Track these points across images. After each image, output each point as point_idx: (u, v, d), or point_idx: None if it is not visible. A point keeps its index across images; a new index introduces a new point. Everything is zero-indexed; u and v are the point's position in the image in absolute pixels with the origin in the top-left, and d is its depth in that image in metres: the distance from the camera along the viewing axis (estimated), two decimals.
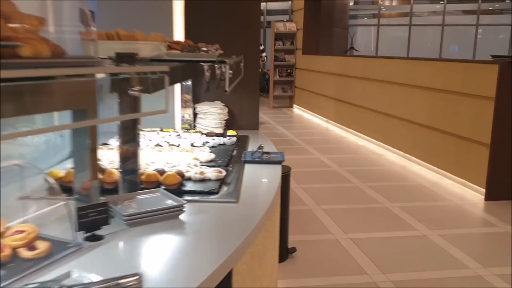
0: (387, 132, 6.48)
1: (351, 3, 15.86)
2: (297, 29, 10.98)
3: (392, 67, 6.43)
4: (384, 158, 6.10)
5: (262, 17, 15.76)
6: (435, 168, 5.26)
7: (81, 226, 1.18)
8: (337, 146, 6.97)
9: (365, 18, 17.56)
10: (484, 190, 4.37)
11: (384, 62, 6.77)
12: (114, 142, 2.22)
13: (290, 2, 11.39)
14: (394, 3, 17.07)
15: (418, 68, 5.75)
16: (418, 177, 5.18)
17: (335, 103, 8.42)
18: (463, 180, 4.73)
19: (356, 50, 15.27)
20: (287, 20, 14.76)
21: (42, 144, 1.82)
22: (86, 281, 0.96)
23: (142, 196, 1.50)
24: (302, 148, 6.70)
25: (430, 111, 5.38)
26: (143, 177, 1.61)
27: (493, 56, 6.51)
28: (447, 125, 5.03)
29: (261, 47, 6.96)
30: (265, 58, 5.87)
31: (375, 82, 6.83)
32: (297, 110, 10.94)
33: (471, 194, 4.54)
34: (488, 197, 4.34)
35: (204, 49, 1.82)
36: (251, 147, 2.45)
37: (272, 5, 15.81)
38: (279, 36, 10.79)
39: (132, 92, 1.16)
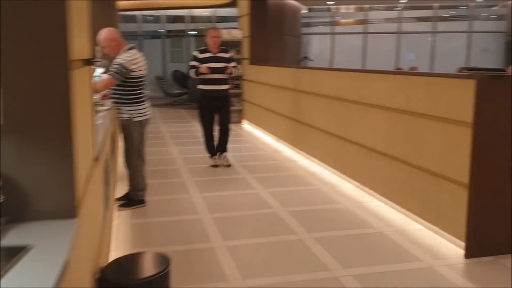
0: (341, 157, 5.45)
1: (304, 10, 14.96)
2: (243, 37, 9.91)
3: (343, 80, 5.41)
4: (338, 191, 5.04)
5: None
6: (398, 207, 4.24)
7: None
8: (284, 174, 5.86)
9: (319, 27, 16.73)
10: (463, 244, 3.35)
11: (334, 75, 5.76)
12: None
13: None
14: (350, 10, 16.31)
15: (374, 82, 4.74)
16: (380, 221, 4.10)
17: (285, 120, 7.35)
18: (435, 227, 3.70)
19: (311, 60, 14.36)
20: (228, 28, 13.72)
21: None
22: None
23: None
24: (241, 179, 5.57)
25: (389, 136, 4.36)
26: None
27: (466, 69, 5.40)
28: (411, 154, 4.00)
29: (228, 54, 5.91)
30: (234, 70, 4.94)
31: (324, 98, 5.80)
32: (247, 126, 9.82)
33: (446, 248, 3.49)
34: (469, 253, 3.32)
35: None
36: None
37: (221, 12, 14.74)
38: (224, 45, 9.68)
39: None
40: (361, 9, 15.44)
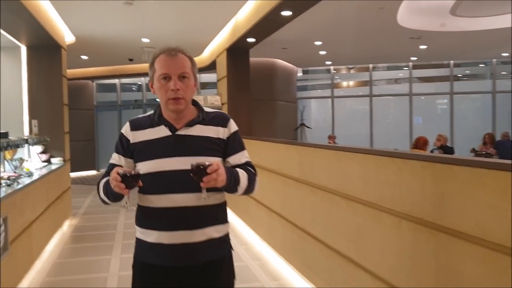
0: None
1: (299, 74, 13.30)
2: (222, 104, 8.09)
3: (348, 161, 3.44)
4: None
5: None
6: None
7: None
8: None
9: (319, 90, 15.06)
10: None
11: (335, 156, 3.78)
12: None
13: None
14: (352, 71, 14.66)
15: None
16: None
17: (278, 220, 5.23)
18: None
19: (308, 127, 12.50)
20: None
21: None
22: None
23: None
24: None
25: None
26: None
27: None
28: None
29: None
30: None
31: (329, 194, 3.80)
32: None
33: None
34: None
35: None
36: None
37: (205, 77, 13.10)
38: None
39: None
40: (366, 69, 13.77)
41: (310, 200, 3.82)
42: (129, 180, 1.63)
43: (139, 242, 1.88)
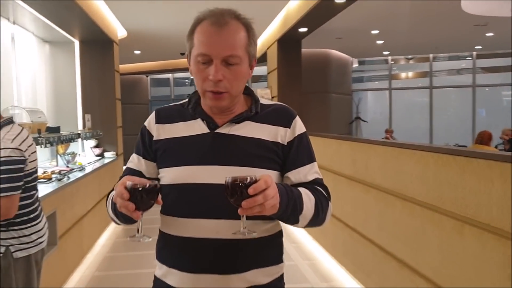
0: None
1: (355, 64, 12.89)
2: (272, 97, 7.92)
3: (406, 158, 3.18)
4: None
5: None
6: None
7: None
8: None
9: (376, 82, 14.54)
10: None
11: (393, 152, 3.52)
12: None
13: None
14: (411, 62, 14.04)
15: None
16: None
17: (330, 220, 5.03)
18: None
19: (364, 121, 12.10)
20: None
21: None
22: None
23: None
24: None
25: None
26: None
27: None
28: None
29: None
30: None
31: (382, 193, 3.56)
32: None
33: None
34: None
35: None
36: None
37: (256, 70, 12.97)
38: None
39: None
40: (425, 59, 13.11)
41: (363, 200, 3.58)
42: (141, 196, 1.07)
43: (157, 282, 1.35)
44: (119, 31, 7.47)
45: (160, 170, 1.31)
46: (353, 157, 3.85)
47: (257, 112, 1.30)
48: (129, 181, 1.08)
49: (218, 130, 1.27)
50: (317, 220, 1.28)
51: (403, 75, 14.59)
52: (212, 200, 1.21)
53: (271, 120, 1.31)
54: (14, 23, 5.07)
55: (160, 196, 1.12)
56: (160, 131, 1.32)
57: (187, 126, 1.31)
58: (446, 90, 13.35)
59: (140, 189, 1.07)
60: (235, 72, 1.20)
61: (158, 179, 1.30)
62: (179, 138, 1.29)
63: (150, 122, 1.36)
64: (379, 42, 10.30)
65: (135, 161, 1.37)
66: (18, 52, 5.16)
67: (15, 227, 2.21)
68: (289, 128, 1.31)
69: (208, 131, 1.28)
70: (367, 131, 12.38)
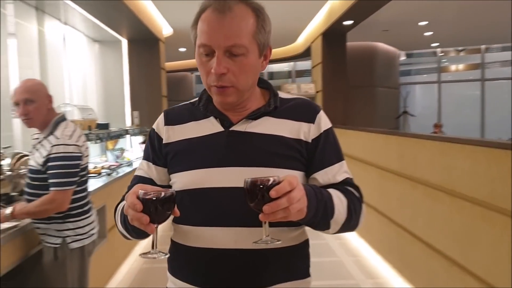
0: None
1: (402, 57, 12.57)
2: (317, 92, 7.86)
3: (455, 153, 3.08)
4: None
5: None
6: None
7: None
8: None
9: (424, 75, 14.12)
10: None
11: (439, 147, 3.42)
12: None
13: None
14: (461, 54, 13.55)
15: None
16: None
17: (375, 216, 4.97)
18: None
19: (412, 115, 11.80)
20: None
21: None
22: None
23: None
24: None
25: None
26: None
27: None
28: None
29: None
30: None
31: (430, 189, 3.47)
32: None
33: None
34: None
35: None
36: None
37: (300, 65, 12.90)
38: None
39: None
40: (477, 51, 12.61)
41: (411, 196, 3.50)
42: (155, 207, 0.94)
43: None
44: (165, 29, 7.62)
45: (172, 175, 1.19)
46: (400, 152, 3.77)
47: (277, 107, 1.17)
48: (141, 189, 0.94)
49: (233, 128, 1.15)
50: (349, 224, 1.14)
51: (453, 67, 14.09)
52: (230, 206, 1.09)
53: (293, 115, 1.17)
54: (65, 23, 5.27)
55: (176, 206, 0.98)
56: (170, 133, 1.21)
57: (199, 126, 1.18)
58: (499, 83, 12.78)
59: (155, 198, 0.93)
60: (241, 63, 1.06)
61: (171, 187, 1.19)
62: (191, 139, 1.17)
63: (158, 124, 1.25)
64: (428, 33, 9.99)
65: (144, 168, 1.24)
66: (69, 51, 5.36)
67: (71, 219, 2.32)
68: (313, 123, 1.17)
69: (222, 129, 1.15)
70: (415, 125, 12.05)
